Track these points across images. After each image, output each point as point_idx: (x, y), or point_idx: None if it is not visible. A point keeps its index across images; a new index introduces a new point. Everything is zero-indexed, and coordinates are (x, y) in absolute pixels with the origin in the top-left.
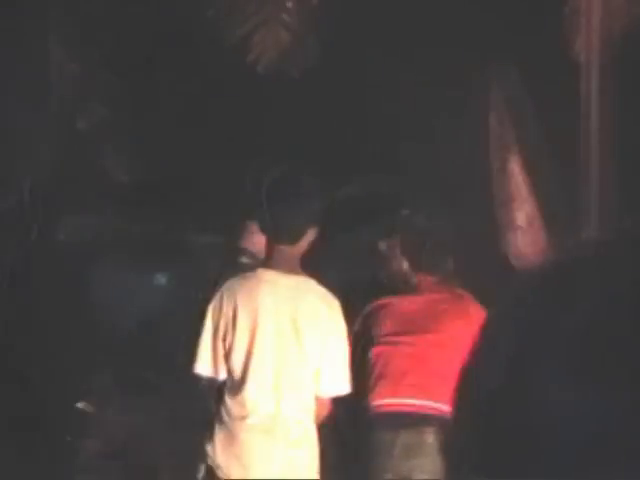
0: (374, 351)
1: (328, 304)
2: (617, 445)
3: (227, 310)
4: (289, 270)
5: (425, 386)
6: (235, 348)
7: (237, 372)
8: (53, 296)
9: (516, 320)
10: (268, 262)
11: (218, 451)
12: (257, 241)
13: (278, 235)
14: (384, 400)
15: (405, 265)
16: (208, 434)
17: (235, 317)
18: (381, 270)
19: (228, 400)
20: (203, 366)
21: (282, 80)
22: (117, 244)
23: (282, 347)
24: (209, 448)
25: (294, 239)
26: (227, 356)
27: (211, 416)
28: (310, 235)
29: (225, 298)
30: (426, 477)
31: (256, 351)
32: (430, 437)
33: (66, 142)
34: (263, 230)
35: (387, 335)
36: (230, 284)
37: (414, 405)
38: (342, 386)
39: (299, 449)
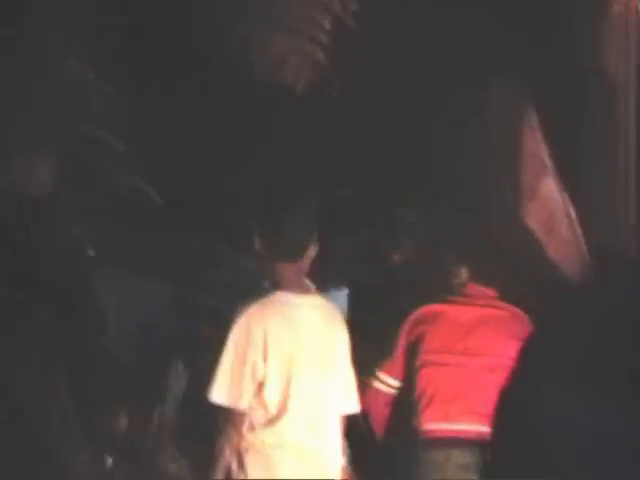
0: (424, 373)
1: (341, 321)
2: (617, 449)
3: (256, 338)
4: (304, 290)
5: (477, 411)
6: (270, 379)
7: (273, 403)
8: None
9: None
10: (280, 284)
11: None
12: None
13: (281, 252)
14: (435, 425)
15: (464, 274)
16: (235, 463)
17: (266, 346)
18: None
19: (260, 429)
20: (220, 395)
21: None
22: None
23: (316, 372)
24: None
25: (298, 255)
26: (260, 387)
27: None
28: (312, 250)
29: (250, 325)
30: None
31: (294, 380)
32: (483, 458)
33: (71, 146)
34: (264, 247)
35: (438, 353)
36: (255, 310)
37: (466, 430)
38: (355, 405)
39: (334, 474)
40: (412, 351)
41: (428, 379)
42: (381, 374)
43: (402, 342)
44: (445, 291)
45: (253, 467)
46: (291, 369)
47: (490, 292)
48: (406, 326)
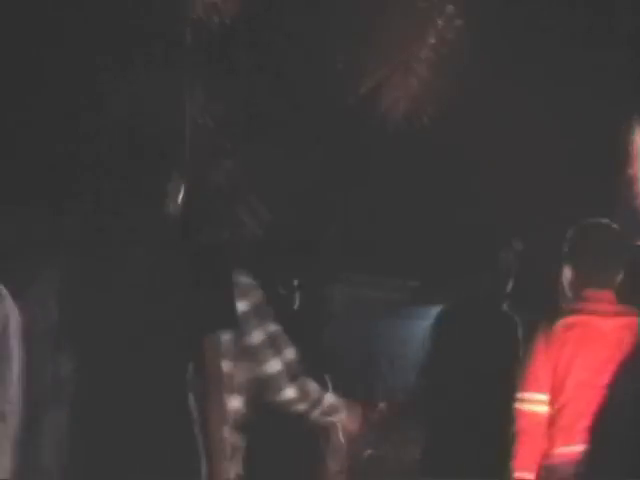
0: (578, 394)
1: None
2: None
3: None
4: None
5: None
6: None
7: None
8: None
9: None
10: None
11: None
12: None
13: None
14: (559, 449)
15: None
16: None
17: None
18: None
19: None
20: None
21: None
22: None
23: None
24: None
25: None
26: None
27: None
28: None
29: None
30: None
31: None
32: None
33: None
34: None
35: (593, 373)
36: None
37: (579, 451)
38: None
39: None
40: (558, 367)
41: (582, 400)
42: (525, 394)
43: (542, 355)
44: (563, 300)
45: None
46: None
47: (609, 295)
48: (545, 339)
